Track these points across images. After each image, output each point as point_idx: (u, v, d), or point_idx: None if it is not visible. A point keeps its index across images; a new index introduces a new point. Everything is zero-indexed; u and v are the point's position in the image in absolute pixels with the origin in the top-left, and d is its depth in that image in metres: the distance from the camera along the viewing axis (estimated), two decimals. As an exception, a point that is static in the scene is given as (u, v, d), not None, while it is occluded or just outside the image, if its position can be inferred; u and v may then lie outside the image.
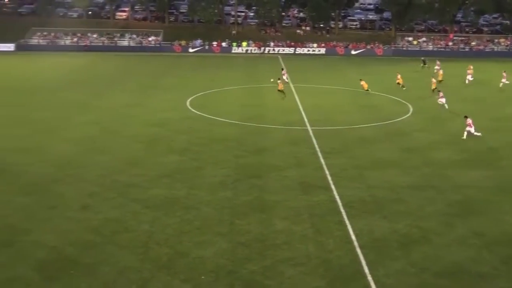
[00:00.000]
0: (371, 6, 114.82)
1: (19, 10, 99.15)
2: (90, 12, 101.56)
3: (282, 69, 58.72)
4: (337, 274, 19.35)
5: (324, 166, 30.65)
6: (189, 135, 36.71)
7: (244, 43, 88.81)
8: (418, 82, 56.52)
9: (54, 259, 19.95)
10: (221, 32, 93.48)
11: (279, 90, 48.78)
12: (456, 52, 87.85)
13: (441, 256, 20.71)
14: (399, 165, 31.30)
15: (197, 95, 50.80)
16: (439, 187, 27.86)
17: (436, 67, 62.27)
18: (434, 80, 52.28)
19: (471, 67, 61.08)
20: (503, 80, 55.30)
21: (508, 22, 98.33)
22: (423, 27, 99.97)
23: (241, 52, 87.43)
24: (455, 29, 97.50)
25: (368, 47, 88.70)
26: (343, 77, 63.29)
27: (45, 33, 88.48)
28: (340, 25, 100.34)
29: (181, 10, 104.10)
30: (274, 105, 46.61)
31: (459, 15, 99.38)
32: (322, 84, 58.29)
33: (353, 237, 21.99)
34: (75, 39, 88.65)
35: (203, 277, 18.92)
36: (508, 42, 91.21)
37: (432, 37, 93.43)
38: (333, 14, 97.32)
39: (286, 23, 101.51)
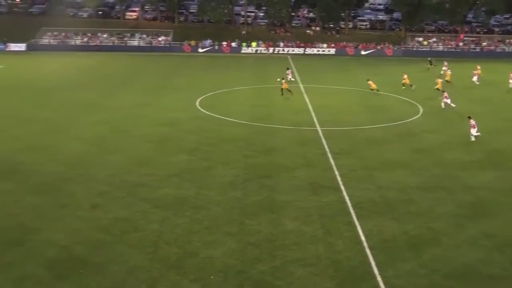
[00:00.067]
0: (381, 7, 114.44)
1: (30, 10, 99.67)
2: (100, 12, 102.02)
3: (288, 69, 58.66)
4: (346, 275, 19.29)
5: (334, 167, 30.58)
6: (198, 135, 36.75)
7: (254, 43, 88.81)
8: (427, 82, 56.16)
9: (64, 258, 20.03)
10: (231, 32, 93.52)
11: (283, 89, 49.37)
12: (466, 53, 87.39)
13: (451, 258, 20.59)
14: (409, 166, 31.16)
15: (207, 95, 50.85)
16: (450, 188, 27.71)
17: (444, 67, 62.01)
18: (440, 80, 52.02)
19: (479, 67, 60.86)
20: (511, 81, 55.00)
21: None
22: (433, 28, 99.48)
23: (251, 52, 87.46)
24: (466, 29, 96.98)
25: (378, 47, 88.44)
26: (352, 77, 63.11)
27: (55, 33, 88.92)
28: (350, 26, 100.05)
29: (191, 10, 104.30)
30: (283, 105, 46.58)
31: (469, 16, 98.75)
32: (332, 85, 58.17)
33: (363, 238, 21.91)
34: (85, 39, 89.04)
35: (212, 277, 18.92)
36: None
37: (442, 37, 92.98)
38: (343, 14, 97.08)
39: (296, 23, 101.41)
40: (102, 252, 20.47)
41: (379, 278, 19.00)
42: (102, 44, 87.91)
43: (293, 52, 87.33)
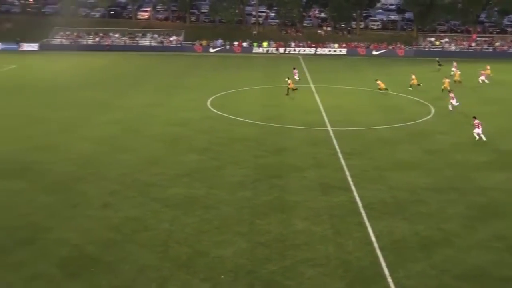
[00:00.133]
0: (393, 7, 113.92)
1: (43, 10, 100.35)
2: (112, 12, 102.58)
3: (294, 68, 58.66)
4: (356, 276, 19.25)
5: (345, 167, 30.50)
6: (209, 135, 36.81)
7: (265, 43, 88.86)
8: (438, 82, 55.76)
9: (75, 256, 20.14)
10: (242, 32, 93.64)
11: (290, 89, 49.57)
12: (479, 53, 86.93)
13: (462, 259, 20.47)
14: (420, 166, 31.02)
15: (218, 95, 50.93)
16: (461, 189, 27.54)
17: (453, 68, 61.73)
18: (447, 80, 51.73)
19: (488, 67, 60.63)
20: None
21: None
22: (445, 28, 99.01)
23: (262, 52, 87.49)
24: (478, 29, 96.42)
25: (390, 47, 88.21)
26: (364, 77, 62.95)
27: (67, 33, 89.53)
28: (362, 26, 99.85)
29: (203, 10, 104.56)
30: (294, 105, 46.55)
31: (482, 16, 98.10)
32: (343, 85, 58.07)
33: (373, 239, 21.85)
34: (97, 39, 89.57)
35: (222, 276, 18.95)
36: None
37: (454, 37, 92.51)
38: (354, 14, 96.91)
39: (307, 23, 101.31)
40: (113, 251, 20.56)
41: (389, 279, 18.93)
42: (114, 44, 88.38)
43: (304, 52, 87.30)
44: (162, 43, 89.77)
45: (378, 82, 53.39)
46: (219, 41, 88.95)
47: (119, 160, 31.27)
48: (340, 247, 21.18)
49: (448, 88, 49.81)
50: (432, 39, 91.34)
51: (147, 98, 48.90)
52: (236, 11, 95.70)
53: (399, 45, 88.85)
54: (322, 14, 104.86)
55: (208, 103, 47.15)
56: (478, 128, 35.89)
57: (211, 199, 25.69)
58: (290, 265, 19.77)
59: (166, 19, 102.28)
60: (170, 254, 20.39)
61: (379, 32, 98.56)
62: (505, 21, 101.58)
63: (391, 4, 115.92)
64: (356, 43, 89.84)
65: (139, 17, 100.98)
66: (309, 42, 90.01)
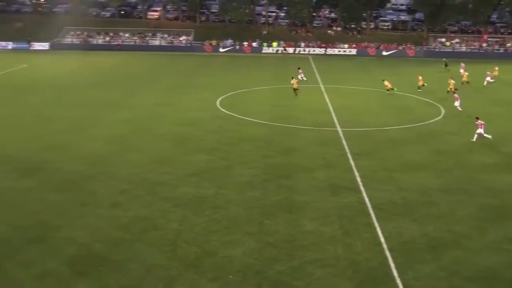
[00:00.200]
0: (403, 7, 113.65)
1: (53, 10, 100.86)
2: (122, 12, 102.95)
3: (299, 68, 58.61)
4: (365, 276, 19.18)
5: (354, 168, 30.41)
6: (218, 135, 36.82)
7: (275, 43, 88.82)
8: (447, 83, 55.57)
9: (84, 255, 20.22)
10: (252, 32, 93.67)
11: (294, 89, 49.59)
12: (490, 54, 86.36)
13: (472, 261, 20.35)
14: (430, 167, 30.87)
15: (227, 95, 50.96)
16: (471, 191, 27.39)
17: (461, 69, 61.43)
18: (452, 81, 51.44)
19: (496, 68, 60.37)
20: None
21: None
22: (456, 28, 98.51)
23: (272, 52, 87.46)
24: (490, 30, 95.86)
25: (400, 48, 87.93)
26: (373, 78, 62.72)
27: (78, 33, 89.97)
28: (372, 26, 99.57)
29: (212, 10, 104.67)
30: (303, 106, 46.48)
31: (493, 16, 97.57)
32: (353, 85, 57.93)
33: (382, 240, 21.76)
34: (107, 39, 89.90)
35: (230, 276, 18.94)
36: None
37: (465, 38, 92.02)
38: (364, 14, 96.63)
39: (317, 24, 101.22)
40: (121, 250, 20.61)
41: (398, 280, 18.85)
42: (124, 43, 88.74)
43: (314, 53, 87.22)
44: (172, 43, 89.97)
45: (386, 82, 53.27)
46: (229, 41, 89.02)
47: (128, 159, 31.35)
48: (349, 247, 21.12)
49: (453, 89, 49.56)
50: (443, 39, 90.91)
51: (157, 98, 49.01)
52: (246, 11, 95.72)
53: (409, 45, 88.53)
54: (332, 14, 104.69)
55: (218, 103, 47.18)
56: (481, 128, 35.72)
57: (220, 199, 25.70)
58: (298, 265, 19.74)
59: (176, 19, 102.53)
60: (178, 254, 20.40)
61: (389, 32, 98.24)
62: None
63: (402, 5, 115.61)
64: (366, 44, 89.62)
65: (149, 16, 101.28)
66: (319, 42, 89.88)
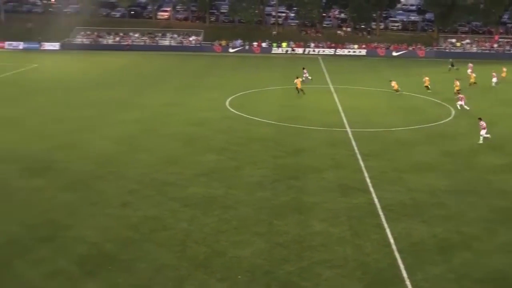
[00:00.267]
0: (414, 7, 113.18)
1: (64, 10, 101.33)
2: (132, 12, 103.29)
3: (303, 68, 58.55)
4: (374, 278, 19.13)
5: (363, 169, 30.34)
6: (227, 135, 36.85)
7: (284, 44, 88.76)
8: (461, 84, 55.33)
9: (93, 254, 20.30)
10: (262, 33, 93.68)
11: (297, 89, 50.08)
12: (501, 55, 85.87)
13: (482, 263, 20.24)
14: (440, 168, 30.75)
15: (237, 95, 51.00)
16: (481, 192, 27.25)
17: (469, 70, 61.12)
18: (457, 83, 51.13)
19: (505, 69, 60.11)
20: None
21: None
22: (466, 29, 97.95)
23: (281, 52, 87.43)
24: (501, 30, 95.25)
25: (410, 48, 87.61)
26: (383, 78, 62.50)
27: (88, 33, 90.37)
28: (382, 26, 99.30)
29: (222, 10, 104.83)
30: (313, 106, 46.43)
31: (505, 17, 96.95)
32: (362, 86, 57.81)
33: (391, 241, 21.70)
34: (118, 39, 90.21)
35: (239, 276, 18.95)
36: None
37: (476, 39, 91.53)
38: (374, 15, 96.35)
39: (326, 24, 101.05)
40: (130, 249, 20.67)
41: (407, 282, 18.78)
42: (134, 43, 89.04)
43: (324, 53, 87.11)
44: (181, 43, 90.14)
45: (393, 83, 53.13)
46: (239, 41, 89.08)
47: (137, 159, 31.44)
48: (358, 248, 21.06)
49: (459, 89, 49.30)
50: (453, 40, 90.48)
51: (166, 98, 49.12)
52: (256, 11, 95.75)
53: (419, 46, 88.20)
54: (342, 15, 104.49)
55: (227, 103, 47.22)
56: (484, 129, 35.57)
57: (229, 199, 25.71)
58: (307, 266, 19.72)
59: (185, 19, 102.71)
60: (187, 254, 20.44)
61: (399, 33, 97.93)
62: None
63: (412, 5, 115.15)
64: (376, 44, 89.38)
65: (159, 17, 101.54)
66: (328, 43, 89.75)
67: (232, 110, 44.60)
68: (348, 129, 38.72)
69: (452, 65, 67.56)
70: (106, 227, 22.54)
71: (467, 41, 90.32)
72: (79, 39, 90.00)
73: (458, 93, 46.43)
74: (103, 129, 37.89)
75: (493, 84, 56.67)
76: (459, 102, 44.81)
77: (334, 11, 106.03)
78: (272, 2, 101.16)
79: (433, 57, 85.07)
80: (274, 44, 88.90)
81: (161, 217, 23.55)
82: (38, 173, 28.63)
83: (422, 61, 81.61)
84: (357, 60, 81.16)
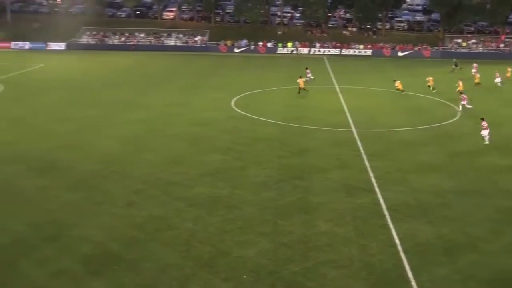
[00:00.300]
0: (419, 7, 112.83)
1: (70, 10, 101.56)
2: (138, 12, 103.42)
3: (306, 68, 58.50)
4: (380, 278, 19.07)
5: (369, 169, 30.27)
6: (232, 135, 36.83)
7: (290, 44, 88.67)
8: (465, 85, 55.10)
9: (98, 254, 20.31)
10: (267, 33, 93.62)
11: (299, 88, 50.06)
12: (507, 55, 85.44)
13: (488, 264, 20.14)
14: (445, 169, 30.64)
15: (242, 95, 50.98)
16: (487, 193, 27.13)
17: (473, 70, 60.87)
18: (460, 83, 50.91)
19: (510, 69, 59.86)
20: None
21: None
22: (472, 29, 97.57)
23: (287, 52, 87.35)
24: (507, 30, 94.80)
25: (416, 48, 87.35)
26: (388, 79, 62.27)
27: (94, 33, 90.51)
28: (387, 26, 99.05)
29: (227, 11, 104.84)
30: (318, 106, 46.37)
31: (511, 17, 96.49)
32: (368, 86, 57.68)
33: (397, 241, 21.63)
34: (123, 39, 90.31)
35: (244, 276, 18.92)
36: None
37: (482, 39, 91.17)
38: (380, 15, 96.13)
39: (332, 24, 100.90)
40: (135, 249, 20.68)
41: (413, 282, 18.71)
42: (139, 43, 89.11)
43: (329, 53, 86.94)
44: (187, 43, 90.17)
45: (397, 83, 53.02)
46: (244, 41, 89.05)
47: (143, 159, 31.47)
48: (363, 249, 21.01)
49: (462, 89, 49.12)
50: (459, 40, 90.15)
51: (172, 98, 49.15)
52: (261, 11, 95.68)
53: (425, 46, 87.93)
54: (348, 15, 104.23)
55: (232, 103, 47.21)
56: (486, 129, 35.44)
57: (234, 199, 25.69)
58: (312, 266, 19.68)
59: (191, 19, 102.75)
60: (192, 254, 20.43)
61: (404, 33, 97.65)
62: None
63: (417, 5, 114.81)
64: (381, 44, 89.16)
65: (164, 17, 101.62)
66: (334, 43, 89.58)
67: (237, 110, 44.59)
68: (354, 129, 38.65)
69: (456, 65, 67.32)
70: (111, 226, 22.56)
71: (473, 41, 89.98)
72: (85, 39, 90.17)
73: (461, 93, 46.28)
74: (109, 129, 37.94)
75: (499, 84, 56.39)
76: (462, 102, 44.68)
77: (340, 11, 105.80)
78: (278, 2, 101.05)
79: (439, 57, 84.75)
80: (280, 44, 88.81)
81: (166, 216, 23.55)
82: (43, 173, 28.70)
83: (427, 61, 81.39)
84: (362, 60, 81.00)
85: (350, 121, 41.14)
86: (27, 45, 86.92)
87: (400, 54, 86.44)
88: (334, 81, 59.67)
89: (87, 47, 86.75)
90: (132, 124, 39.22)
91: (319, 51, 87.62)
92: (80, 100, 47.47)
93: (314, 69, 59.89)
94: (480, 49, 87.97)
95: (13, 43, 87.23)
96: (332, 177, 28.99)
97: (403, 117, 43.02)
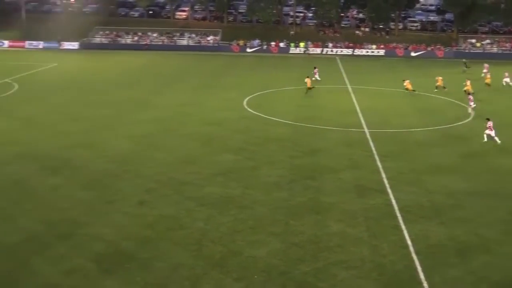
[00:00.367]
0: (433, 7, 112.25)
1: (83, 10, 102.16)
2: (151, 12, 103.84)
3: (315, 68, 58.39)
4: (391, 279, 19.01)
5: (381, 169, 30.17)
6: (245, 135, 36.86)
7: (302, 44, 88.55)
8: (476, 84, 54.73)
9: (111, 252, 20.42)
10: (279, 33, 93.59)
11: (308, 88, 49.90)
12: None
13: (501, 266, 20.01)
14: (458, 170, 30.47)
15: (254, 95, 51.00)
16: (501, 194, 26.94)
17: (484, 70, 60.42)
18: (468, 83, 50.52)
19: None
20: None
21: None
22: (486, 29, 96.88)
23: (299, 52, 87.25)
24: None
25: (429, 49, 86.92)
26: (401, 79, 61.96)
27: (107, 32, 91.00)
28: (400, 26, 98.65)
29: (240, 10, 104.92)
30: (330, 106, 46.30)
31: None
32: (380, 86, 57.49)
33: (409, 242, 21.54)
34: (136, 38, 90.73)
35: (255, 276, 18.94)
36: None
37: (496, 39, 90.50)
38: (393, 15, 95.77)
39: (345, 24, 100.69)
40: (147, 248, 20.76)
41: (425, 284, 18.63)
42: (152, 43, 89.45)
43: (342, 53, 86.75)
44: (199, 42, 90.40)
45: (406, 83, 52.78)
46: (256, 41, 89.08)
47: (155, 158, 31.58)
48: (375, 250, 20.95)
49: (470, 90, 48.76)
50: (473, 40, 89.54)
51: (184, 97, 49.29)
52: (274, 11, 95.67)
53: (438, 46, 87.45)
54: (360, 15, 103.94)
55: (245, 103, 47.25)
56: (491, 130, 35.19)
57: (246, 199, 25.71)
58: (323, 266, 19.65)
59: (203, 19, 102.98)
60: (204, 253, 20.48)
61: (418, 33, 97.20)
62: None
63: (431, 5, 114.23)
64: (394, 44, 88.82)
65: (177, 17, 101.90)
66: (346, 43, 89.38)
67: (250, 110, 44.61)
68: (366, 130, 38.53)
69: (466, 66, 66.86)
70: (123, 225, 22.68)
71: (487, 41, 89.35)
72: (98, 39, 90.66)
73: (468, 94, 45.95)
74: (121, 128, 38.12)
75: (510, 83, 55.92)
76: (470, 103, 44.33)
77: (352, 11, 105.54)
78: (290, 2, 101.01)
79: (452, 57, 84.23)
80: (292, 44, 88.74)
81: (177, 216, 23.63)
82: (57, 172, 28.90)
83: (441, 61, 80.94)
84: (375, 61, 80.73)
85: (362, 121, 41.03)
86: (41, 44, 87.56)
87: (413, 54, 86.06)
88: (347, 81, 59.53)
89: (100, 47, 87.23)
90: (145, 124, 39.38)
91: (331, 51, 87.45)
92: (93, 99, 47.74)
93: (327, 69, 59.88)
94: (495, 50, 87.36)
95: (27, 42, 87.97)
96: (344, 177, 28.93)
97: (415, 118, 42.83)
